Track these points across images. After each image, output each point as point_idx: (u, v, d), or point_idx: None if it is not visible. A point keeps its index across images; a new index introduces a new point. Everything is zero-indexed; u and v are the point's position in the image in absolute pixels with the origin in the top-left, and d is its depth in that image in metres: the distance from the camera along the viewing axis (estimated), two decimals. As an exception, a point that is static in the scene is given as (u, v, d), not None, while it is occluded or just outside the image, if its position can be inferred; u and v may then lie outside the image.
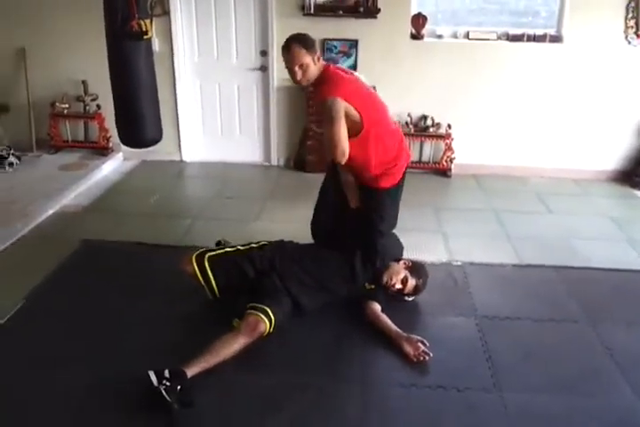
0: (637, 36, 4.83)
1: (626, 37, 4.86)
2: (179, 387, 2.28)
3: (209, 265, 2.85)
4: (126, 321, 2.86)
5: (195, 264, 2.85)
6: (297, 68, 2.75)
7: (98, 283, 3.19)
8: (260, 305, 2.67)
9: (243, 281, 2.88)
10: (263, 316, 2.62)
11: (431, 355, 2.61)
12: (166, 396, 2.22)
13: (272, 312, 2.65)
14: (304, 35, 2.82)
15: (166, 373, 2.29)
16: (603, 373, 2.62)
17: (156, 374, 2.29)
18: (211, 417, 2.30)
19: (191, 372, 2.37)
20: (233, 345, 2.52)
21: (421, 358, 2.60)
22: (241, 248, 2.99)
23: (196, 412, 2.28)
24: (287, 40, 2.79)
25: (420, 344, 2.64)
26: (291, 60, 2.75)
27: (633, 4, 4.75)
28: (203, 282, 2.85)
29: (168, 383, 2.26)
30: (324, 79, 2.79)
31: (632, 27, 4.82)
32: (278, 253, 2.98)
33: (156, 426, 2.23)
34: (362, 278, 3.01)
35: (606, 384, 2.55)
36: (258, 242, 3.06)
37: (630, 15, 4.79)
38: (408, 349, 2.64)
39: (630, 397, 2.47)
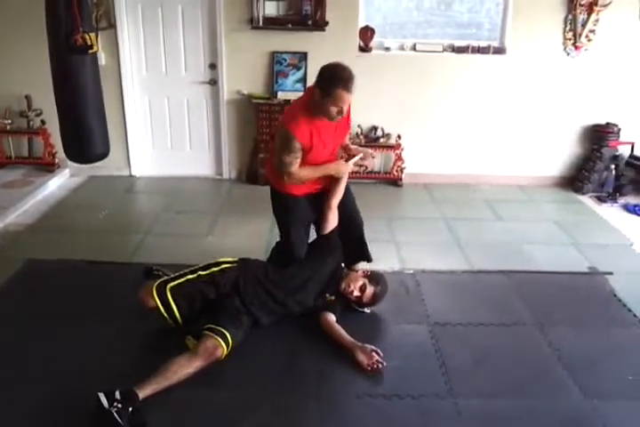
0: (575, 47, 5.02)
1: (564, 49, 5.05)
2: (130, 409, 2.22)
3: (172, 296, 2.70)
4: (75, 342, 2.76)
5: (156, 297, 2.69)
6: (346, 107, 2.79)
7: (44, 303, 3.08)
8: (218, 328, 2.59)
9: (205, 305, 2.78)
10: (221, 340, 2.55)
11: (385, 364, 2.62)
12: (118, 418, 2.16)
13: (230, 336, 2.58)
14: (351, 70, 2.74)
15: (117, 394, 2.23)
16: (551, 374, 2.68)
17: (106, 395, 2.22)
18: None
19: (143, 394, 2.30)
20: (187, 369, 2.44)
21: (375, 367, 2.61)
22: (202, 273, 2.81)
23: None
24: (349, 81, 2.68)
25: (373, 353, 2.65)
26: (347, 101, 2.74)
27: (571, 17, 4.94)
28: (165, 314, 2.71)
29: (119, 405, 2.20)
30: None
31: (570, 39, 5.01)
32: (242, 274, 2.86)
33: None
34: (328, 290, 2.99)
35: (555, 386, 2.61)
36: (217, 263, 2.88)
37: (568, 28, 4.98)
38: (362, 358, 2.64)
39: (578, 397, 2.53)
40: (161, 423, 2.28)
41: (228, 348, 2.57)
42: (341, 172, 3.01)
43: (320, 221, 3.12)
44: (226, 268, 2.87)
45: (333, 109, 2.73)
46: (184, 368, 2.43)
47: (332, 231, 3.10)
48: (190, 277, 2.80)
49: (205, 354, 2.51)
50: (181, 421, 2.31)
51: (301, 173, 2.91)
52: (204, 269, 2.85)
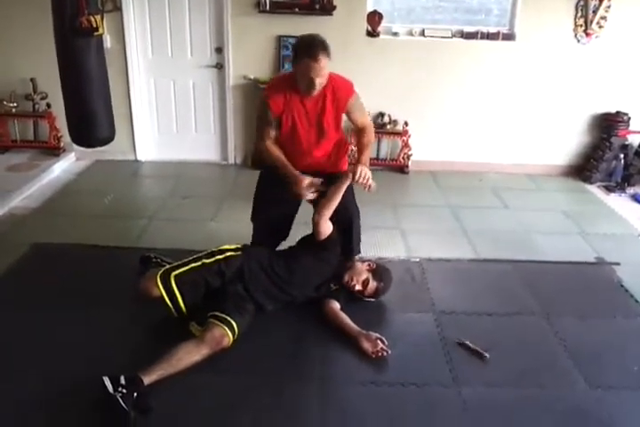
0: (586, 34, 4.95)
1: (575, 36, 4.98)
2: (135, 394, 2.22)
3: (176, 285, 2.65)
4: (79, 327, 2.76)
5: (160, 286, 2.64)
6: (319, 79, 2.67)
7: (49, 288, 3.08)
8: (224, 316, 2.57)
9: (209, 293, 2.75)
10: (228, 330, 2.54)
11: (389, 351, 2.61)
12: (122, 403, 2.16)
13: (236, 324, 2.57)
14: (323, 40, 2.67)
15: (122, 379, 2.23)
16: (557, 364, 2.67)
17: (111, 380, 2.22)
18: (167, 420, 2.25)
19: (148, 379, 2.29)
20: (194, 356, 2.43)
21: (380, 355, 2.60)
22: (206, 261, 2.76)
23: (153, 415, 2.23)
24: (315, 49, 2.61)
25: (378, 341, 2.64)
26: (317, 72, 2.63)
27: (582, 3, 4.86)
28: (170, 304, 2.67)
29: (124, 390, 2.20)
30: (331, 78, 2.80)
31: (581, 25, 4.94)
32: (246, 262, 2.83)
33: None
34: (331, 282, 2.98)
35: (561, 376, 2.60)
36: (220, 251, 2.83)
37: (580, 14, 4.90)
38: (366, 346, 2.64)
39: (583, 387, 2.52)
40: (165, 408, 2.28)
41: (234, 336, 2.56)
42: (295, 185, 2.89)
43: (313, 229, 2.99)
44: (230, 256, 2.83)
45: (303, 80, 2.68)
46: (190, 356, 2.43)
47: (328, 237, 3.00)
48: (194, 265, 2.76)
49: (212, 343, 2.50)
50: (185, 406, 2.31)
51: (269, 149, 2.93)
52: (207, 257, 2.81)
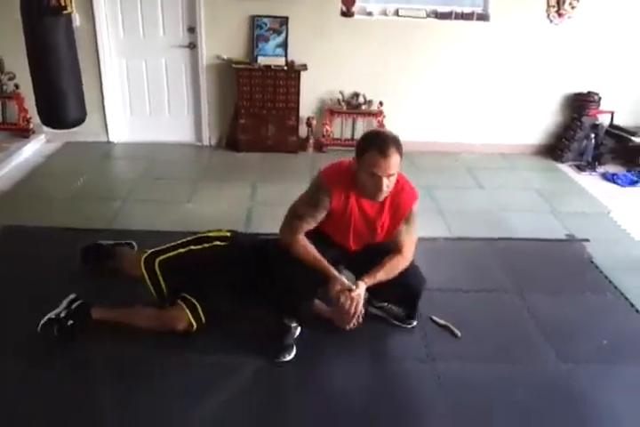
0: (559, 15, 4.98)
1: (548, 16, 5.00)
2: (70, 322, 2.49)
3: (160, 270, 2.64)
4: (51, 309, 2.72)
5: (143, 269, 2.65)
6: (387, 181, 2.28)
7: (20, 271, 3.05)
8: (193, 301, 2.58)
9: (191, 279, 2.71)
10: (190, 315, 2.55)
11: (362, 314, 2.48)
12: (55, 326, 2.47)
13: (202, 311, 2.57)
14: (395, 135, 2.32)
15: (76, 304, 2.55)
16: (530, 340, 2.73)
17: (70, 302, 2.56)
18: (145, 401, 2.25)
19: (98, 314, 2.57)
20: (146, 324, 2.57)
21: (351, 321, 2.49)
22: (194, 248, 2.70)
23: (130, 395, 2.24)
24: (383, 141, 2.24)
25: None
26: (386, 170, 2.24)
27: (555, -16, 4.88)
28: (151, 287, 2.66)
29: (64, 315, 2.51)
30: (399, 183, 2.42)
31: (554, 6, 4.96)
32: (232, 252, 2.76)
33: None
34: None
35: (533, 351, 2.66)
36: (209, 238, 2.76)
37: (552, -6, 4.93)
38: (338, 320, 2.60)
39: (555, 362, 2.59)
40: (149, 388, 2.30)
41: (197, 322, 2.56)
42: (331, 287, 2.38)
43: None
44: (217, 245, 2.75)
45: (369, 180, 2.27)
46: (144, 322, 2.58)
47: None
48: (181, 250, 2.72)
49: (167, 323, 2.57)
50: (168, 385, 2.34)
51: (299, 250, 2.41)
52: (195, 243, 2.75)
